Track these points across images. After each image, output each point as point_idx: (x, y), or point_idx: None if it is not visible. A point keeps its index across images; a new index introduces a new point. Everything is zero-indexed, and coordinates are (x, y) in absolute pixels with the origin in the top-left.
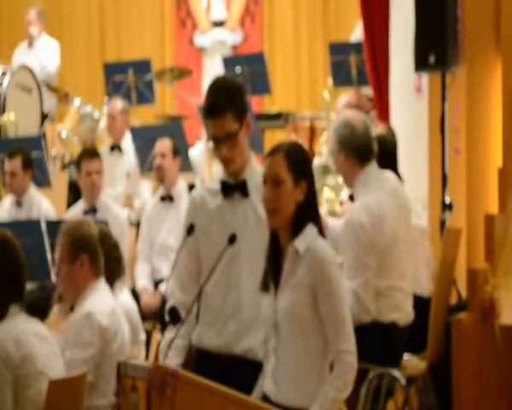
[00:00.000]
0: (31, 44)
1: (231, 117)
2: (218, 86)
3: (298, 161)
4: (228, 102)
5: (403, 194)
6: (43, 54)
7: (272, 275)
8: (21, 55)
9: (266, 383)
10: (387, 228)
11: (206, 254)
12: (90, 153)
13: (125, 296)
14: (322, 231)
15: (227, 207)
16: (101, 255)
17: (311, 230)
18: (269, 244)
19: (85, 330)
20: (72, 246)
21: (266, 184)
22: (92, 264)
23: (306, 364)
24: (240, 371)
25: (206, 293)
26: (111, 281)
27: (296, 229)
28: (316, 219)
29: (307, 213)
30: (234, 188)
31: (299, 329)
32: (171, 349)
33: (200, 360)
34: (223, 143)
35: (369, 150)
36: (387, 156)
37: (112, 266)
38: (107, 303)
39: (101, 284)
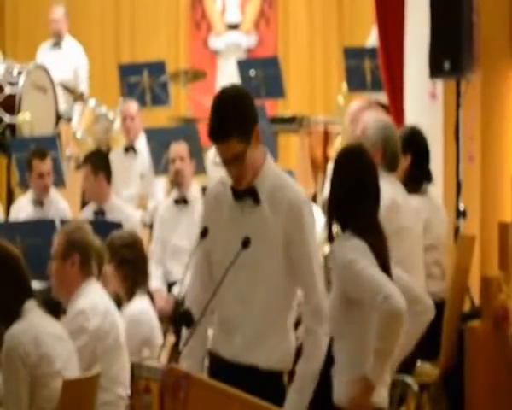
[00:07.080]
0: (57, 44)
1: (236, 140)
2: (221, 109)
3: None
4: (231, 126)
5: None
6: (72, 57)
7: None
8: (46, 55)
9: None
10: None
11: (216, 257)
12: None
13: (143, 302)
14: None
15: (238, 211)
16: (93, 259)
17: None
18: None
19: (76, 323)
20: (65, 244)
21: None
22: (83, 265)
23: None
24: (250, 381)
25: (218, 302)
26: (132, 289)
27: None
28: None
29: None
30: (244, 194)
31: None
32: (186, 351)
33: (213, 365)
34: (231, 164)
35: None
36: None
37: (137, 276)
38: (98, 302)
39: (92, 284)
